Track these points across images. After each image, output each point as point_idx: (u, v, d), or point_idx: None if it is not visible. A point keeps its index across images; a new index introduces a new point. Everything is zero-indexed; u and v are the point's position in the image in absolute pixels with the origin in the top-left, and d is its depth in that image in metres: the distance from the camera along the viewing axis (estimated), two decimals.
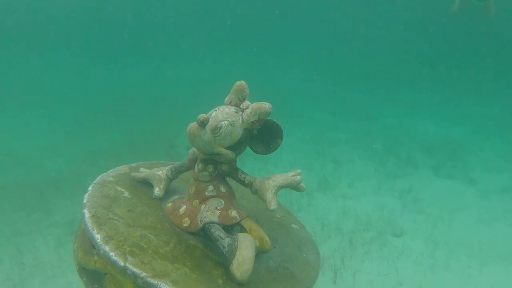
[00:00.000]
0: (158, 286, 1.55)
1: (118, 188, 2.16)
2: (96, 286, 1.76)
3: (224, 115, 1.93)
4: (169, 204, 2.16)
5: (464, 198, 5.01)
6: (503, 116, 8.48)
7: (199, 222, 1.96)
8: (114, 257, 1.61)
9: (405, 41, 14.31)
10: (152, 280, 1.56)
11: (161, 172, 2.28)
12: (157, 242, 1.82)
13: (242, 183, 2.13)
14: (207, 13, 19.43)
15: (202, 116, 1.86)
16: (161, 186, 2.23)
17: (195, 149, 2.14)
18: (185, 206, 2.07)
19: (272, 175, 2.12)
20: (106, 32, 17.19)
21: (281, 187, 2.05)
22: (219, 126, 1.91)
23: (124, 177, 2.31)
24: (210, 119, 1.92)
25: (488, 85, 10.40)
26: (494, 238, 4.04)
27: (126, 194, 2.13)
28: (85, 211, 1.85)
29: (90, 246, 1.77)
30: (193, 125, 1.87)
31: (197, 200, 2.06)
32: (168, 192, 2.28)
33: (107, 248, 1.65)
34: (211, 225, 1.93)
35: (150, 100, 9.44)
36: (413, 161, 6.18)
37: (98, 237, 1.70)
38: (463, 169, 5.91)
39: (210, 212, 1.96)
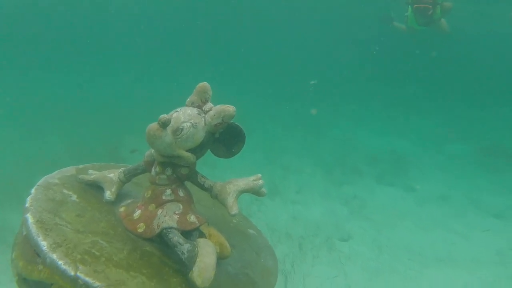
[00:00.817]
0: None
1: (65, 191, 2.00)
2: None
3: (186, 117, 1.86)
4: (122, 209, 2.03)
5: (405, 205, 5.29)
6: (438, 130, 9.14)
7: (156, 228, 1.86)
8: (63, 266, 1.47)
9: (352, 58, 15.02)
10: None
11: (113, 174, 2.14)
12: (110, 249, 1.69)
13: (202, 187, 2.06)
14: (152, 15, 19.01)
15: (163, 116, 1.77)
16: (113, 190, 2.09)
17: (152, 151, 2.04)
18: (140, 211, 1.96)
19: (233, 179, 2.07)
20: (42, 33, 16.17)
21: (242, 191, 2.01)
22: (180, 127, 1.83)
23: (71, 179, 2.14)
24: (172, 120, 1.85)
25: (426, 102, 11.19)
26: (433, 242, 4.29)
27: (74, 197, 1.97)
28: (28, 216, 1.67)
29: (33, 254, 1.61)
30: (154, 125, 1.78)
31: (153, 205, 1.95)
32: (120, 196, 2.14)
33: (54, 256, 1.50)
34: (169, 230, 1.84)
35: (90, 105, 8.99)
36: (358, 170, 6.44)
37: (44, 244, 1.54)
38: (403, 178, 6.26)
39: (168, 217, 1.87)
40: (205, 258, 1.72)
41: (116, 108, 8.39)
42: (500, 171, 6.94)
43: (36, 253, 1.58)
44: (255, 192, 2.05)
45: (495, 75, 14.20)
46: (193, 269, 1.70)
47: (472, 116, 10.40)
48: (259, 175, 2.13)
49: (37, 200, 1.81)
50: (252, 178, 2.10)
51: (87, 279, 1.45)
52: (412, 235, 4.45)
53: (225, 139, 2.04)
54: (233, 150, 2.07)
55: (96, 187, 2.15)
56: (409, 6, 7.40)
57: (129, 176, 2.14)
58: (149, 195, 1.98)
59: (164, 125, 1.78)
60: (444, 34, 7.78)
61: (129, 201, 2.13)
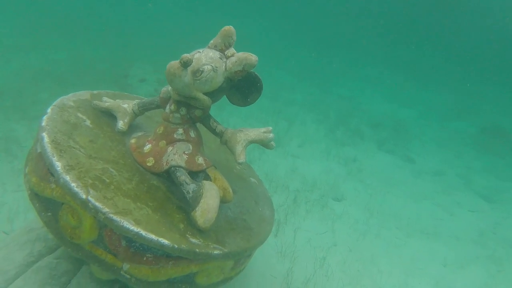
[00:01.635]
0: (121, 223, 1.50)
1: (79, 115, 2.01)
2: (49, 214, 1.65)
3: (207, 59, 1.83)
4: (133, 140, 2.06)
5: (401, 175, 5.39)
6: (445, 105, 9.06)
7: (165, 164, 1.90)
8: (75, 189, 1.52)
9: (368, 22, 14.47)
10: (114, 217, 1.50)
11: (127, 105, 2.14)
12: (119, 178, 1.74)
13: (213, 131, 2.08)
14: None
15: (186, 56, 1.74)
16: (126, 120, 2.11)
17: (169, 88, 2.03)
18: (150, 145, 1.99)
19: (244, 128, 2.09)
20: None
21: (252, 141, 2.03)
22: (201, 69, 1.81)
23: (85, 104, 2.14)
24: (193, 61, 1.82)
25: (439, 74, 10.96)
26: (421, 214, 4.43)
27: (88, 122, 1.99)
28: (44, 135, 1.70)
29: (46, 172, 1.65)
30: (174, 63, 1.75)
31: (164, 141, 1.98)
32: (131, 127, 2.16)
33: (68, 177, 1.55)
34: (177, 168, 1.88)
35: (104, 24, 8.72)
36: (360, 133, 6.46)
37: (58, 165, 1.58)
38: (403, 148, 6.31)
39: (177, 156, 1.90)
40: (209, 200, 1.78)
41: (130, 32, 8.18)
42: (496, 154, 7.00)
43: (50, 172, 1.62)
44: (264, 144, 2.07)
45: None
46: (196, 209, 1.77)
47: (481, 94, 10.26)
48: (270, 127, 2.15)
49: (53, 120, 1.82)
50: (262, 129, 2.12)
51: (97, 204, 1.51)
52: (403, 205, 4.57)
53: (242, 87, 2.02)
54: (249, 99, 2.06)
55: (109, 115, 2.16)
56: None
57: (143, 109, 2.15)
58: (161, 131, 2.00)
59: (185, 64, 1.75)
60: None
61: (140, 133, 2.16)
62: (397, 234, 3.97)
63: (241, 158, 1.98)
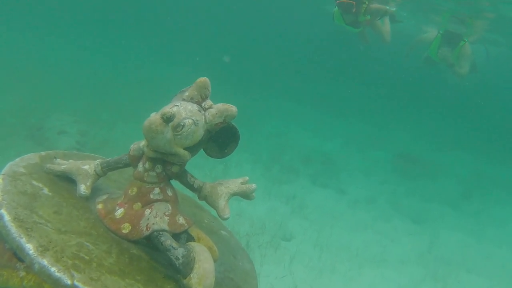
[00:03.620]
0: None
1: (34, 182, 1.74)
2: None
3: (187, 113, 1.74)
4: (100, 206, 1.83)
5: (339, 207, 5.61)
6: (362, 136, 9.83)
7: (145, 229, 1.71)
8: (57, 274, 1.28)
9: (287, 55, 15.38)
10: None
11: (88, 166, 1.92)
12: (98, 252, 1.52)
13: (191, 187, 1.95)
14: None
15: (168, 111, 1.64)
16: (88, 184, 1.88)
17: (141, 145, 1.88)
18: (122, 209, 1.79)
19: (223, 181, 2.01)
20: None
21: (234, 194, 1.95)
22: (181, 124, 1.71)
23: (37, 169, 1.87)
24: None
25: (351, 106, 11.94)
26: (366, 244, 4.62)
27: (46, 190, 1.73)
28: (3, 212, 1.42)
29: (9, 257, 1.37)
30: (156, 119, 1.64)
31: (139, 203, 1.80)
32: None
33: (45, 261, 1.30)
34: (160, 233, 1.71)
35: (8, 73, 7.96)
36: (294, 169, 6.66)
37: (30, 247, 1.32)
38: (335, 180, 6.63)
39: (158, 218, 1.74)
40: (204, 264, 1.63)
41: (43, 77, 7.53)
42: (412, 178, 7.70)
43: (17, 257, 1.35)
44: (246, 195, 2.00)
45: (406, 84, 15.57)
46: (191, 275, 1.61)
47: (388, 125, 11.36)
48: (247, 177, 2.09)
49: (7, 193, 1.54)
50: (240, 180, 2.05)
51: None
52: (348, 236, 4.73)
53: (219, 138, 1.96)
54: (226, 150, 2.00)
55: (65, 179, 1.91)
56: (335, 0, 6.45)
57: (108, 169, 1.94)
58: (134, 193, 1.81)
59: (168, 120, 1.65)
60: (383, 41, 6.99)
61: (104, 196, 1.93)
62: (350, 266, 4.07)
63: (226, 213, 1.88)
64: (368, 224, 5.17)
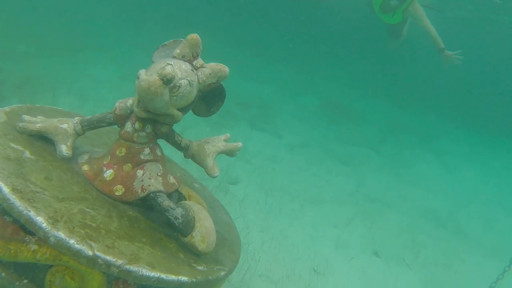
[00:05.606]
0: (139, 272, 1.34)
1: (13, 145, 1.60)
2: (25, 281, 1.32)
3: (182, 73, 1.69)
4: (86, 167, 1.76)
5: (277, 151, 5.90)
6: (293, 82, 10.11)
7: (139, 191, 1.71)
8: (76, 246, 1.26)
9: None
10: (131, 267, 1.32)
11: (66, 125, 1.80)
12: (100, 217, 1.50)
13: (178, 146, 1.95)
14: None
15: (169, 72, 1.59)
16: (69, 144, 1.78)
17: (128, 104, 1.80)
18: (111, 170, 1.75)
19: (209, 139, 2.04)
20: None
21: (221, 152, 2.01)
22: (177, 84, 1.67)
23: (8, 128, 1.70)
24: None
25: (282, 52, 12.06)
26: (304, 185, 5.01)
27: (27, 153, 1.61)
28: (0, 183, 1.31)
29: (15, 230, 1.30)
30: (156, 81, 1.57)
31: (129, 164, 1.77)
32: None
33: (61, 234, 1.26)
34: (157, 194, 1.72)
35: None
36: (233, 114, 6.72)
37: (41, 221, 1.27)
38: (272, 125, 6.87)
39: (153, 179, 1.74)
40: (205, 222, 1.71)
41: None
42: (339, 123, 8.30)
43: (25, 230, 1.28)
44: (232, 153, 2.07)
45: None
46: (193, 234, 1.68)
47: (317, 72, 11.81)
48: (228, 134, 2.15)
49: None
50: (222, 137, 2.10)
51: (108, 257, 1.29)
52: (288, 179, 5.07)
53: (206, 97, 1.95)
54: (212, 109, 2.00)
55: (40, 138, 1.78)
56: None
57: (89, 128, 1.85)
58: (123, 154, 1.77)
59: (169, 82, 1.60)
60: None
61: (85, 156, 1.85)
62: (293, 207, 4.43)
63: (216, 172, 1.94)
64: (303, 167, 5.56)
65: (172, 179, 1.85)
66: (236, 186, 4.51)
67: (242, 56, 10.75)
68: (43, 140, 1.77)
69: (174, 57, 1.76)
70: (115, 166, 1.75)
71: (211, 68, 1.79)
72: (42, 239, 1.26)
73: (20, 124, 1.74)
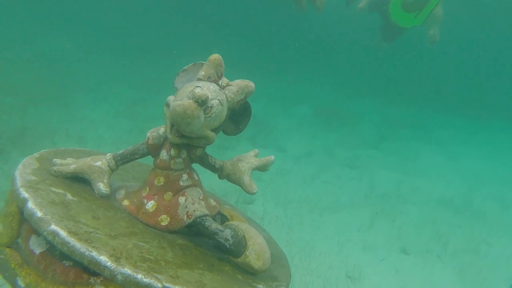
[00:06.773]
0: None
1: (54, 189, 1.56)
2: None
3: (212, 93, 1.69)
4: (126, 202, 1.73)
5: (284, 164, 5.89)
6: (283, 94, 10.18)
7: (185, 217, 1.68)
8: (145, 280, 1.22)
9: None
10: None
11: (100, 162, 1.77)
12: (155, 250, 1.47)
13: (212, 168, 1.94)
14: None
15: (203, 93, 1.58)
16: (105, 181, 1.75)
17: (161, 132, 1.78)
18: (153, 201, 1.72)
19: (240, 156, 2.04)
20: None
21: (255, 168, 2.00)
22: (209, 105, 1.67)
23: (45, 174, 1.67)
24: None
25: (268, 65, 12.18)
26: (319, 194, 4.98)
27: (69, 196, 1.57)
28: (55, 227, 1.27)
29: (77, 275, 1.25)
30: (191, 104, 1.57)
31: (169, 193, 1.74)
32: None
33: (128, 270, 1.22)
34: (204, 218, 1.69)
35: None
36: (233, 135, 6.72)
37: (105, 260, 1.23)
38: (272, 140, 6.88)
39: (197, 204, 1.71)
40: (257, 239, 1.68)
41: None
42: (337, 128, 8.35)
43: (88, 272, 1.23)
44: (265, 168, 2.06)
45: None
46: (247, 253, 1.64)
47: (305, 82, 11.93)
48: (256, 150, 2.14)
49: (44, 206, 1.37)
50: (252, 153, 2.09)
51: (177, 287, 1.25)
52: (301, 190, 5.04)
53: (234, 115, 1.94)
54: (240, 126, 2.00)
55: (75, 179, 1.75)
56: None
57: (122, 163, 1.82)
58: (162, 183, 1.74)
59: (203, 103, 1.60)
60: (316, 9, 6.56)
61: (122, 191, 1.82)
62: (313, 217, 4.40)
63: (254, 188, 1.93)
64: (314, 176, 5.54)
65: (213, 202, 1.83)
66: (253, 205, 4.47)
67: (226, 75, 10.83)
68: (78, 180, 1.74)
69: (199, 79, 1.76)
70: (156, 197, 1.72)
71: (238, 85, 1.79)
72: (108, 278, 1.22)
73: (55, 168, 1.71)
